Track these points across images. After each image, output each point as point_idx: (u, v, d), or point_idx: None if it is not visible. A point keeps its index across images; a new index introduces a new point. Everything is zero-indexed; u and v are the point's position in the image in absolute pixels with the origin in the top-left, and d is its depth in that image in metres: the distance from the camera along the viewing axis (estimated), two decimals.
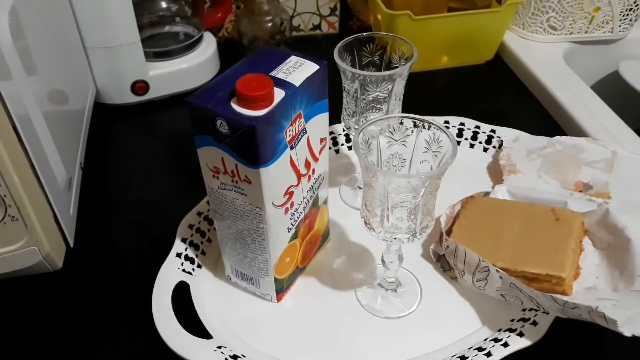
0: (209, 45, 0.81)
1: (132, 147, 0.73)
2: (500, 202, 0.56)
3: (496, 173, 0.63)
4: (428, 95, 0.80)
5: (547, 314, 0.47)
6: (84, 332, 0.51)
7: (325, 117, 0.47)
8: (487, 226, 0.53)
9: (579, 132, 0.70)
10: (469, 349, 0.47)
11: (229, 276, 0.53)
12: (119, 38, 0.71)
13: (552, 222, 0.52)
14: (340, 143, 0.68)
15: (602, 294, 0.48)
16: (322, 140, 0.48)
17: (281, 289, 0.51)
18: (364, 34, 0.53)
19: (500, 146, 0.65)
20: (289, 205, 0.46)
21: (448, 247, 0.52)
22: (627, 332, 0.41)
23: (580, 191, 0.59)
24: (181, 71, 0.78)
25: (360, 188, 0.61)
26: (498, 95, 0.82)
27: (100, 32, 0.70)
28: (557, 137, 0.64)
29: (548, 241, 0.50)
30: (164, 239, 0.54)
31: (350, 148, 0.68)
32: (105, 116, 0.74)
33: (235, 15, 0.88)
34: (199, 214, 0.56)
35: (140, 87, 0.75)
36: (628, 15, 0.84)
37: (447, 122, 0.68)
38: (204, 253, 0.55)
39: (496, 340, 0.46)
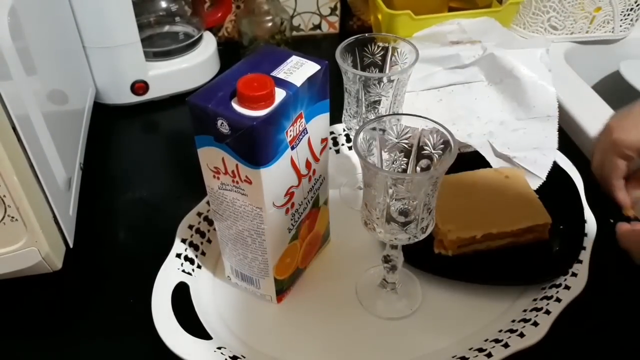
0: (208, 45, 0.81)
1: (132, 147, 0.73)
2: (451, 177, 0.56)
3: None
4: None
5: (548, 313, 0.47)
6: (83, 332, 0.50)
7: (325, 117, 0.47)
8: (456, 202, 0.54)
9: (579, 132, 0.70)
10: (469, 349, 0.46)
11: (228, 276, 0.53)
12: (119, 38, 0.71)
13: (503, 180, 0.57)
14: (340, 143, 0.68)
15: (510, 126, 0.65)
16: (322, 140, 0.47)
17: (281, 289, 0.51)
18: (366, 35, 0.53)
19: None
20: (289, 205, 0.45)
21: None
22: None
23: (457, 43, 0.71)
24: (181, 71, 0.77)
25: (360, 188, 0.61)
26: None
27: (99, 32, 0.70)
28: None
29: (515, 197, 0.56)
30: (164, 239, 0.54)
31: (350, 148, 0.68)
32: (104, 116, 0.74)
33: (235, 14, 0.88)
34: (199, 214, 0.56)
35: (139, 86, 0.75)
36: (629, 15, 0.84)
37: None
38: (203, 253, 0.55)
39: (496, 341, 0.46)
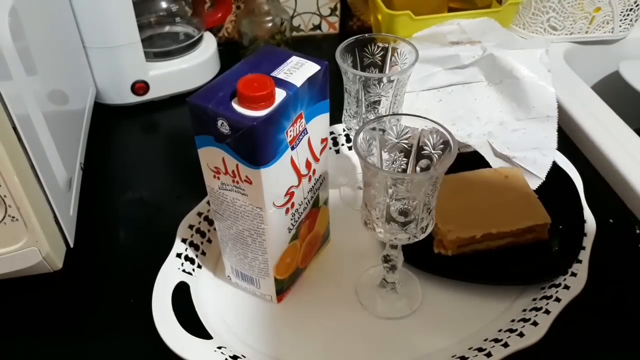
0: (208, 45, 0.81)
1: (132, 147, 0.73)
2: (451, 177, 0.57)
3: None
4: None
5: (547, 313, 0.47)
6: (83, 332, 0.51)
7: (325, 117, 0.47)
8: (455, 203, 0.54)
9: (578, 132, 0.70)
10: (469, 349, 0.47)
11: (229, 276, 0.53)
12: (119, 38, 0.71)
13: (503, 180, 0.57)
14: (340, 143, 0.68)
15: (510, 126, 0.65)
16: (322, 140, 0.48)
17: (281, 289, 0.51)
18: (366, 35, 0.53)
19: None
20: (289, 205, 0.46)
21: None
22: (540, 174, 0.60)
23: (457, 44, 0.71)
24: (181, 71, 0.78)
25: (360, 188, 0.61)
26: None
27: (100, 32, 0.70)
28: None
29: (515, 197, 0.56)
30: (164, 239, 0.54)
31: (350, 148, 0.68)
32: (105, 116, 0.74)
33: (235, 15, 0.88)
34: (199, 214, 0.56)
35: (140, 87, 0.75)
36: (628, 15, 0.84)
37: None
38: (204, 253, 0.55)
39: (496, 341, 0.46)
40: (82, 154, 0.63)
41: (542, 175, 0.60)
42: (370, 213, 0.44)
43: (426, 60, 0.69)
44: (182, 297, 0.50)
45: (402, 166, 0.46)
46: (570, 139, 0.70)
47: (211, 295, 0.52)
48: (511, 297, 0.51)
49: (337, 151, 0.68)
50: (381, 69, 0.54)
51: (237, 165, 0.41)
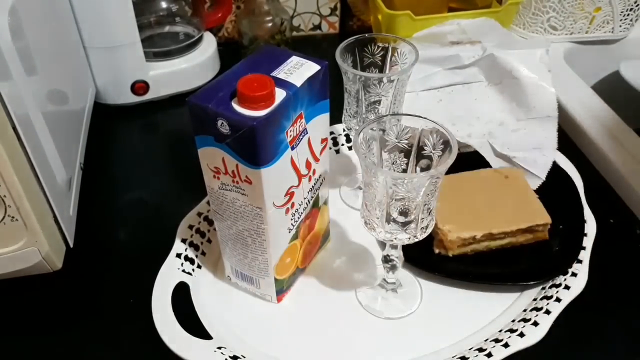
0: (208, 45, 0.81)
1: (132, 147, 0.73)
2: (451, 177, 0.56)
3: None
4: None
5: (548, 313, 0.47)
6: (83, 332, 0.51)
7: (325, 117, 0.47)
8: (456, 202, 0.54)
9: (579, 132, 0.70)
10: (469, 349, 0.47)
11: (228, 276, 0.53)
12: (119, 38, 0.71)
13: (503, 180, 0.58)
14: (340, 143, 0.68)
15: (510, 126, 0.65)
16: (322, 140, 0.47)
17: (281, 289, 0.51)
18: (366, 35, 0.53)
19: None
20: (289, 205, 0.46)
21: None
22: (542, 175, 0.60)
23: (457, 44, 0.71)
24: (181, 71, 0.78)
25: (360, 188, 0.61)
26: None
27: (100, 32, 0.70)
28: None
29: (515, 197, 0.56)
30: (164, 239, 0.54)
31: (350, 148, 0.68)
32: (105, 116, 0.74)
33: (235, 15, 0.88)
34: (199, 214, 0.56)
35: (140, 87, 0.75)
36: (628, 15, 0.84)
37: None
38: (203, 253, 0.55)
39: (496, 341, 0.46)
40: (82, 154, 0.63)
41: (543, 175, 0.60)
42: (370, 213, 0.44)
43: (426, 60, 0.69)
44: (182, 297, 0.50)
45: (402, 166, 0.46)
46: (570, 139, 0.70)
47: (211, 295, 0.52)
48: (511, 297, 0.51)
49: (337, 151, 0.68)
50: (381, 69, 0.54)
51: (237, 165, 0.41)
